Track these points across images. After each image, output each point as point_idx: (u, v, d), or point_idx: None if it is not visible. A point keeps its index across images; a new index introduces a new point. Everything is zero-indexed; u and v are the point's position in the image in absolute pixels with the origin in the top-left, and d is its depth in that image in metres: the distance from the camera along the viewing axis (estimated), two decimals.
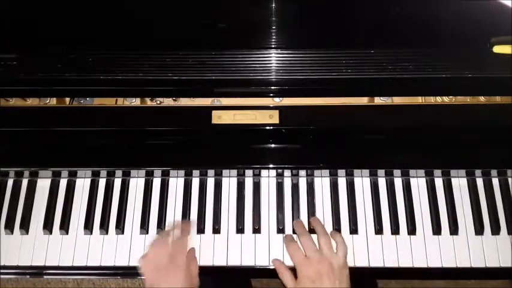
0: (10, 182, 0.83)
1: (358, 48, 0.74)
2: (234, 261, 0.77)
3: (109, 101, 0.81)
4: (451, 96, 0.79)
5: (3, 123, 0.77)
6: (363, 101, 0.81)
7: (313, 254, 0.71)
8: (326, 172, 0.80)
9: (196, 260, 0.75)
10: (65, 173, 0.81)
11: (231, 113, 0.75)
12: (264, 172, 0.80)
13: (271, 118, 0.75)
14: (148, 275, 0.69)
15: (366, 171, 0.80)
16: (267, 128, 0.75)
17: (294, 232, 0.78)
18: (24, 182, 0.83)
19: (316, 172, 0.80)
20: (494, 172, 0.79)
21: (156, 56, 0.74)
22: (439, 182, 0.82)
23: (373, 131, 0.78)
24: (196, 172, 0.81)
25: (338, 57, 0.73)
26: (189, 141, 0.79)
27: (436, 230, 0.78)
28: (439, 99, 0.80)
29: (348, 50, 0.73)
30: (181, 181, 0.82)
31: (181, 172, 0.81)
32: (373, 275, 0.84)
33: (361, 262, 0.76)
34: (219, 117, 0.75)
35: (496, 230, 0.78)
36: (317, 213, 0.80)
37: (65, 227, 0.80)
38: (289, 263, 0.75)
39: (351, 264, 0.76)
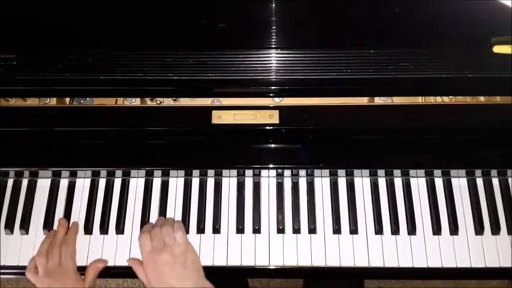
0: (10, 182, 0.83)
1: (358, 48, 0.74)
2: (234, 261, 0.77)
3: (109, 101, 0.81)
4: (451, 96, 0.79)
5: (3, 123, 0.77)
6: (363, 101, 0.81)
7: (156, 245, 0.70)
8: (326, 172, 0.80)
9: (96, 271, 0.76)
10: (65, 173, 0.81)
11: (231, 113, 0.75)
12: (264, 172, 0.80)
13: (271, 118, 0.75)
14: (39, 280, 0.72)
15: (366, 171, 0.80)
16: (267, 128, 0.75)
17: (294, 232, 0.78)
18: (24, 182, 0.83)
19: (316, 172, 0.80)
20: (494, 172, 0.79)
21: (156, 56, 0.74)
22: (439, 182, 0.82)
23: (373, 131, 0.78)
24: (196, 172, 0.81)
25: (338, 57, 0.73)
26: (189, 141, 0.79)
27: (436, 230, 0.78)
28: (439, 99, 0.80)
29: (348, 50, 0.73)
30: (181, 181, 0.82)
31: (181, 172, 0.81)
32: (373, 275, 0.84)
33: (361, 262, 0.76)
34: (219, 117, 0.75)
35: (496, 230, 0.78)
36: (317, 213, 0.80)
37: None
38: (290, 263, 0.75)
39: (350, 264, 0.76)
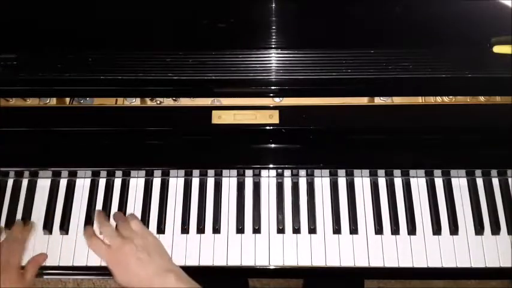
0: (10, 182, 0.83)
1: (358, 48, 0.74)
2: (234, 261, 0.77)
3: (109, 101, 0.81)
4: (451, 96, 0.79)
5: (3, 123, 0.77)
6: (363, 101, 0.81)
7: (114, 241, 0.71)
8: (326, 172, 0.80)
9: (36, 266, 0.75)
10: (65, 173, 0.81)
11: (231, 113, 0.75)
12: (264, 172, 0.80)
13: (271, 118, 0.75)
14: None
15: (366, 171, 0.80)
16: (267, 128, 0.75)
17: (294, 232, 0.78)
18: (24, 182, 0.83)
19: (316, 172, 0.80)
20: (494, 172, 0.79)
21: (156, 56, 0.74)
22: (439, 182, 0.82)
23: (373, 131, 0.78)
24: (196, 172, 0.81)
25: (338, 57, 0.73)
26: (189, 141, 0.79)
27: (436, 230, 0.78)
28: (439, 99, 0.80)
29: (347, 50, 0.73)
30: (181, 181, 0.82)
31: (181, 172, 0.81)
32: (373, 275, 0.84)
33: (361, 262, 0.76)
34: (219, 117, 0.75)
35: (496, 230, 0.78)
36: (317, 213, 0.80)
37: (65, 227, 0.80)
38: (290, 263, 0.75)
39: (351, 264, 0.76)
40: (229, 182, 0.82)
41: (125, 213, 0.80)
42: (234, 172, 0.81)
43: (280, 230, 0.79)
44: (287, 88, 0.73)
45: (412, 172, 0.80)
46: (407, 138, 0.77)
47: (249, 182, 0.82)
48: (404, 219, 0.79)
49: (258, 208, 0.80)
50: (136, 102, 0.81)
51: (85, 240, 0.76)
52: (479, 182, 0.81)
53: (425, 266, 0.76)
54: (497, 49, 0.72)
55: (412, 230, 0.78)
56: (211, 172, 0.81)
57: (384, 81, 0.72)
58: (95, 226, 0.78)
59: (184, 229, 0.79)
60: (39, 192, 0.83)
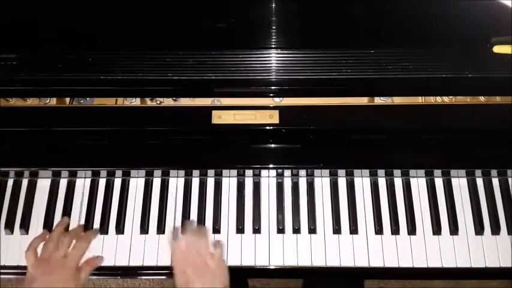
0: (10, 182, 0.83)
1: (358, 48, 0.74)
2: (234, 261, 0.77)
3: (109, 101, 0.81)
4: (451, 96, 0.79)
5: (3, 123, 0.77)
6: (363, 101, 0.81)
7: (189, 248, 0.70)
8: (326, 172, 0.80)
9: (92, 267, 0.75)
10: (65, 173, 0.81)
11: (231, 113, 0.75)
12: (264, 172, 0.80)
13: (271, 118, 0.75)
14: (35, 263, 0.70)
15: (366, 171, 0.80)
16: (267, 128, 0.75)
17: (294, 232, 0.78)
18: (24, 182, 0.83)
19: (316, 172, 0.80)
20: (494, 172, 0.79)
21: (156, 56, 0.74)
22: (439, 182, 0.82)
23: (373, 131, 0.78)
24: (196, 172, 0.81)
25: (338, 57, 0.73)
26: (189, 141, 0.79)
27: (436, 230, 0.78)
28: (439, 99, 0.80)
29: (347, 50, 0.73)
30: (181, 181, 0.82)
31: (181, 172, 0.81)
32: (373, 275, 0.84)
33: (361, 262, 0.76)
34: (219, 117, 0.75)
35: (496, 230, 0.78)
36: (317, 213, 0.80)
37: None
38: (290, 263, 0.75)
39: (351, 264, 0.76)
40: (229, 182, 0.82)
41: (125, 214, 0.80)
42: (234, 172, 0.81)
43: (280, 230, 0.79)
44: (287, 88, 0.73)
45: (412, 172, 0.80)
46: (407, 138, 0.77)
47: (249, 182, 0.82)
48: (404, 219, 0.79)
49: (258, 208, 0.80)
50: (136, 102, 0.81)
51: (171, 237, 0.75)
52: (479, 182, 0.81)
53: (426, 266, 0.76)
54: (497, 49, 0.72)
55: (412, 230, 0.78)
56: (211, 172, 0.81)
57: (384, 81, 0.72)
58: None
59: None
60: (39, 192, 0.83)
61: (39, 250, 0.73)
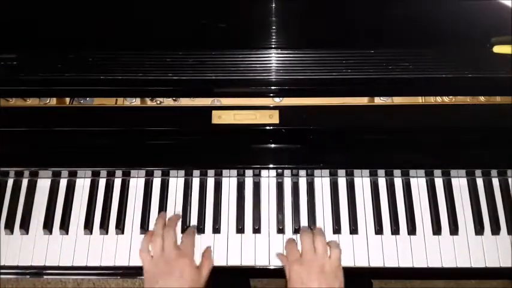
0: (10, 182, 0.83)
1: (358, 48, 0.74)
2: (234, 261, 0.77)
3: (109, 101, 0.81)
4: (451, 96, 0.79)
5: (3, 123, 0.77)
6: (363, 101, 0.81)
7: (307, 253, 0.70)
8: (326, 172, 0.80)
9: (211, 262, 0.75)
10: (65, 173, 0.81)
11: (231, 113, 0.75)
12: (264, 172, 0.80)
13: (271, 118, 0.75)
14: (153, 262, 0.70)
15: (366, 171, 0.80)
16: (267, 128, 0.75)
17: (294, 232, 0.78)
18: (24, 182, 0.83)
19: (316, 172, 0.80)
20: (494, 172, 0.79)
21: (156, 56, 0.74)
22: (439, 182, 0.82)
23: (373, 131, 0.78)
24: (196, 172, 0.81)
25: (338, 57, 0.73)
26: (189, 141, 0.79)
27: (436, 230, 0.78)
28: (439, 99, 0.80)
29: (347, 50, 0.73)
30: (181, 181, 0.82)
31: (181, 172, 0.81)
32: (373, 275, 0.84)
33: (361, 262, 0.76)
34: (219, 117, 0.75)
35: (496, 230, 0.78)
36: (317, 213, 0.80)
37: (65, 227, 0.80)
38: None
39: (351, 264, 0.76)
40: (229, 182, 0.82)
41: (125, 214, 0.80)
42: (234, 172, 0.81)
43: (280, 230, 0.79)
44: (287, 88, 0.73)
45: (412, 172, 0.80)
46: (408, 138, 0.77)
47: (249, 182, 0.82)
48: (404, 219, 0.79)
49: (258, 208, 0.80)
50: (136, 102, 0.81)
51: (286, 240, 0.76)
52: (479, 182, 0.81)
53: (426, 266, 0.76)
54: (497, 49, 0.72)
55: (412, 230, 0.78)
56: (211, 172, 0.81)
57: (384, 81, 0.72)
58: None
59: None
60: (39, 192, 0.83)
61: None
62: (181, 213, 0.80)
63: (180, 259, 0.69)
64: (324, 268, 0.68)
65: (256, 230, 0.79)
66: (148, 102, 0.81)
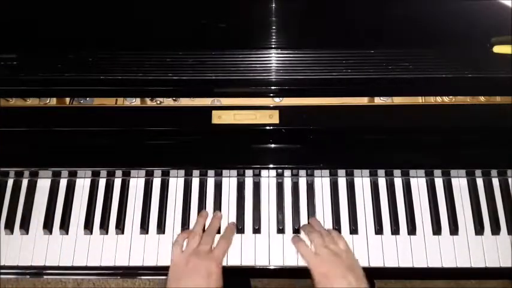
0: (10, 182, 0.84)
1: (358, 48, 0.74)
2: (234, 261, 0.77)
3: (109, 101, 0.81)
4: (451, 96, 0.79)
5: (3, 123, 0.77)
6: (363, 101, 0.81)
7: (323, 251, 0.71)
8: (326, 172, 0.80)
9: (228, 243, 0.76)
10: (65, 173, 0.81)
11: (231, 113, 0.75)
12: (264, 172, 0.80)
13: (271, 118, 0.75)
14: (183, 256, 0.71)
15: (366, 171, 0.80)
16: (267, 128, 0.75)
17: (294, 232, 0.78)
18: (24, 182, 0.83)
19: (316, 172, 0.80)
20: (494, 172, 0.79)
21: (156, 56, 0.74)
22: (439, 182, 0.82)
23: (373, 131, 0.78)
24: (196, 172, 0.81)
25: (338, 57, 0.73)
26: (189, 141, 0.79)
27: (436, 230, 0.78)
28: (439, 99, 0.80)
29: (347, 50, 0.73)
30: (181, 181, 0.82)
31: (181, 172, 0.81)
32: (373, 275, 0.84)
33: (361, 262, 0.76)
34: (219, 117, 0.75)
35: (496, 230, 0.78)
36: (317, 213, 0.80)
37: (65, 227, 0.80)
38: (290, 263, 0.75)
39: None
40: (229, 182, 0.82)
41: (125, 214, 0.80)
42: (234, 172, 0.81)
43: (280, 230, 0.79)
44: (287, 88, 0.73)
45: (412, 172, 0.80)
46: (408, 138, 0.77)
47: (249, 182, 0.82)
48: (404, 219, 0.79)
49: (258, 208, 0.80)
50: (136, 102, 0.81)
51: (293, 242, 0.76)
52: (479, 182, 0.81)
53: (426, 266, 0.76)
54: (497, 49, 0.72)
55: (412, 230, 0.78)
56: (211, 172, 0.81)
57: (384, 81, 0.72)
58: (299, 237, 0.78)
59: (185, 229, 0.79)
60: (39, 192, 0.83)
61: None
62: (182, 215, 0.80)
63: (210, 261, 0.70)
64: (343, 260, 0.70)
65: (256, 230, 0.79)
66: (148, 102, 0.81)
